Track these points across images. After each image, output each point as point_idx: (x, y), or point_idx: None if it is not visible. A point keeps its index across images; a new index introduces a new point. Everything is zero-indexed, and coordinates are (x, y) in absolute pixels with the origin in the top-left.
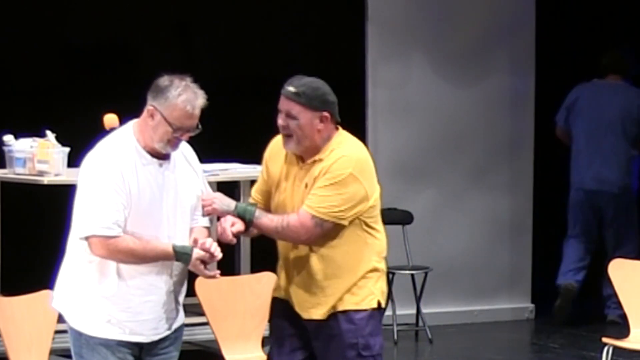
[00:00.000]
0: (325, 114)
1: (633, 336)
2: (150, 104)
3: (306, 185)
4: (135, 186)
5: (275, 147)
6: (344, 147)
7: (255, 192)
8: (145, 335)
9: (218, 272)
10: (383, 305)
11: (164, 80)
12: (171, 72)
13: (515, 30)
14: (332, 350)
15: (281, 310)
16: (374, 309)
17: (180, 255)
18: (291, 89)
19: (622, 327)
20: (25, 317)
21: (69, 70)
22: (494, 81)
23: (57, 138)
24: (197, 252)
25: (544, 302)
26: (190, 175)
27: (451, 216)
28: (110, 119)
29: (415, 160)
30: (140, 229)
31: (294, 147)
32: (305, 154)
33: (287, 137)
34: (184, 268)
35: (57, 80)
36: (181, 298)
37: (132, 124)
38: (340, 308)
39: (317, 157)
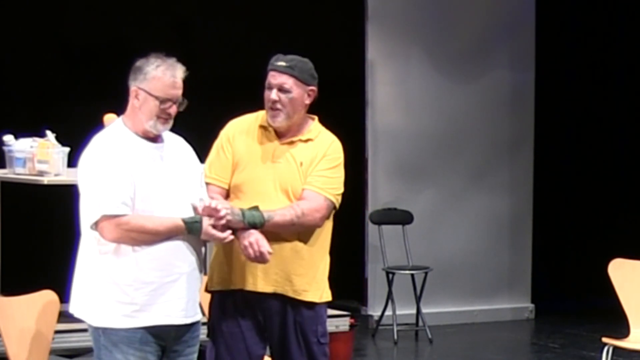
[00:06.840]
0: (313, 88)
1: (633, 336)
2: (133, 86)
3: (301, 164)
4: (136, 169)
5: (239, 128)
6: (327, 132)
7: (215, 172)
8: (174, 316)
9: (229, 232)
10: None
11: (139, 61)
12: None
13: (515, 29)
14: (292, 335)
15: (231, 301)
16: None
17: (191, 225)
18: (282, 63)
19: (622, 327)
20: (25, 317)
21: (69, 70)
22: (494, 81)
23: (57, 138)
24: (206, 220)
25: (544, 302)
26: (189, 156)
27: (451, 216)
28: (110, 118)
29: (415, 160)
30: (148, 209)
31: (283, 122)
32: (289, 130)
33: (276, 111)
34: (199, 248)
35: (57, 80)
36: (198, 289)
37: (120, 117)
38: (306, 299)
39: (302, 137)
